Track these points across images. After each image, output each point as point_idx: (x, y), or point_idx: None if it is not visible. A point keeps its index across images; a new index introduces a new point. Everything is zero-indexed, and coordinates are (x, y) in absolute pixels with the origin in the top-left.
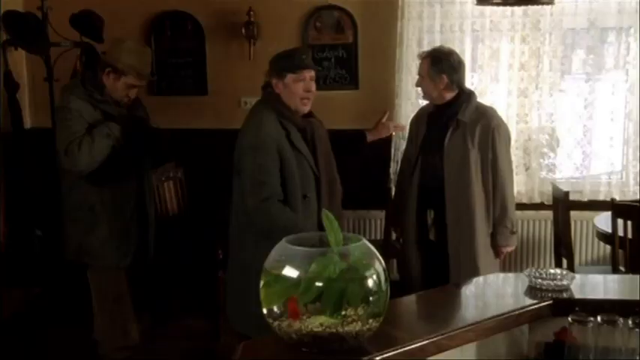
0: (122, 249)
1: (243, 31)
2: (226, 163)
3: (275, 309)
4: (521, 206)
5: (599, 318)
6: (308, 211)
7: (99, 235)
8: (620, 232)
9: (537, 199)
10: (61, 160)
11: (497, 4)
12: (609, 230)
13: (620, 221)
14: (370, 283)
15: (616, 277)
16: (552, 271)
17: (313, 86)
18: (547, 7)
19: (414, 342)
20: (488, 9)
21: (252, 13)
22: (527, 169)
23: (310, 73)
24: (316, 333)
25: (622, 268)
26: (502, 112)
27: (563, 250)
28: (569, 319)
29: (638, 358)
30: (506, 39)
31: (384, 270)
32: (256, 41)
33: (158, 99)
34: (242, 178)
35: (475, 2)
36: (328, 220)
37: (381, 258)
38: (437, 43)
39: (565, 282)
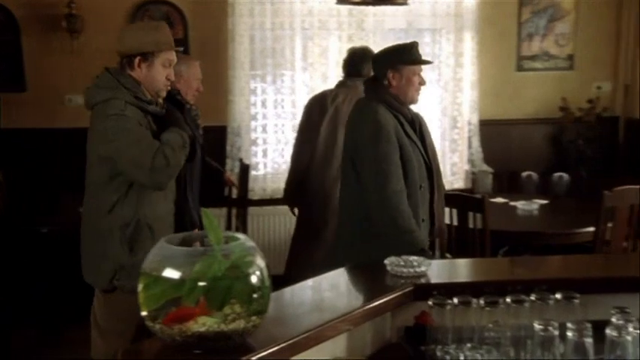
0: None
1: (64, 24)
2: (52, 163)
3: (156, 311)
4: None
5: (455, 300)
6: (423, 201)
7: None
8: (446, 220)
9: None
10: (140, 177)
11: (356, 4)
12: None
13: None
14: (254, 279)
15: (466, 261)
16: (410, 258)
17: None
18: (370, 8)
19: (296, 336)
20: (316, 8)
21: (73, 5)
22: None
23: (421, 67)
24: (201, 333)
25: (448, 255)
26: None
27: None
28: (430, 302)
29: (486, 334)
30: (334, 38)
31: (266, 266)
32: (80, 35)
33: None
34: (362, 171)
35: (336, 1)
36: (208, 218)
37: (262, 254)
38: (268, 41)
39: (423, 268)
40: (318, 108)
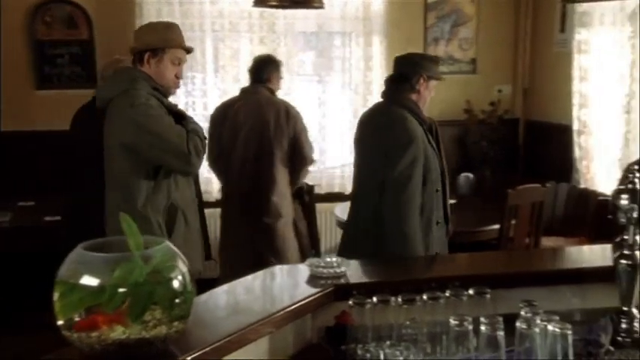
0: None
1: None
2: None
3: (75, 319)
4: None
5: (374, 299)
6: (438, 205)
7: (189, 239)
8: None
9: None
10: (175, 162)
11: (273, 7)
12: None
13: None
14: (176, 284)
15: (383, 260)
16: (329, 259)
17: None
18: (281, 11)
19: (218, 340)
20: (226, 9)
21: None
22: None
23: None
24: (122, 340)
25: None
26: None
27: (311, 240)
28: (350, 302)
29: (404, 331)
30: (246, 40)
31: (188, 271)
32: None
33: None
34: (389, 174)
35: (253, 4)
36: (127, 224)
37: (184, 258)
38: None
39: (343, 269)
40: (221, 117)
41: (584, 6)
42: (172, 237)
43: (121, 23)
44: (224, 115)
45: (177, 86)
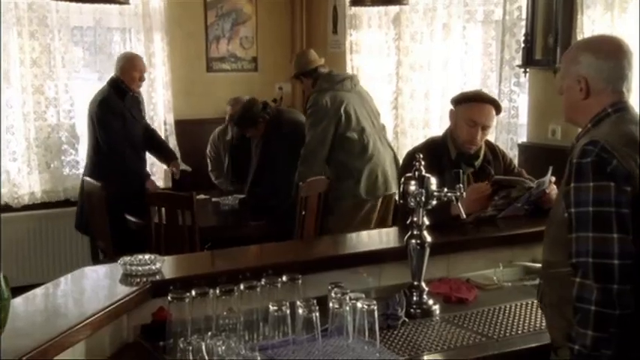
0: None
1: None
2: None
3: None
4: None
5: (193, 292)
6: None
7: None
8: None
9: (62, 197)
10: None
11: (75, 1)
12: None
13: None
14: None
15: (197, 254)
16: (142, 257)
17: None
18: (53, 4)
19: (36, 347)
20: None
21: None
22: (49, 167)
23: None
24: None
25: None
26: (17, 109)
27: (101, 242)
28: (169, 297)
29: (221, 322)
30: (14, 33)
31: (4, 277)
32: None
33: None
34: None
35: None
36: None
37: None
38: None
39: (157, 265)
40: None
41: (353, 9)
42: None
43: None
44: None
45: None
